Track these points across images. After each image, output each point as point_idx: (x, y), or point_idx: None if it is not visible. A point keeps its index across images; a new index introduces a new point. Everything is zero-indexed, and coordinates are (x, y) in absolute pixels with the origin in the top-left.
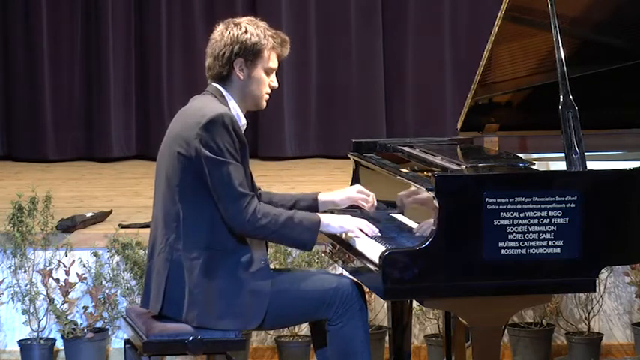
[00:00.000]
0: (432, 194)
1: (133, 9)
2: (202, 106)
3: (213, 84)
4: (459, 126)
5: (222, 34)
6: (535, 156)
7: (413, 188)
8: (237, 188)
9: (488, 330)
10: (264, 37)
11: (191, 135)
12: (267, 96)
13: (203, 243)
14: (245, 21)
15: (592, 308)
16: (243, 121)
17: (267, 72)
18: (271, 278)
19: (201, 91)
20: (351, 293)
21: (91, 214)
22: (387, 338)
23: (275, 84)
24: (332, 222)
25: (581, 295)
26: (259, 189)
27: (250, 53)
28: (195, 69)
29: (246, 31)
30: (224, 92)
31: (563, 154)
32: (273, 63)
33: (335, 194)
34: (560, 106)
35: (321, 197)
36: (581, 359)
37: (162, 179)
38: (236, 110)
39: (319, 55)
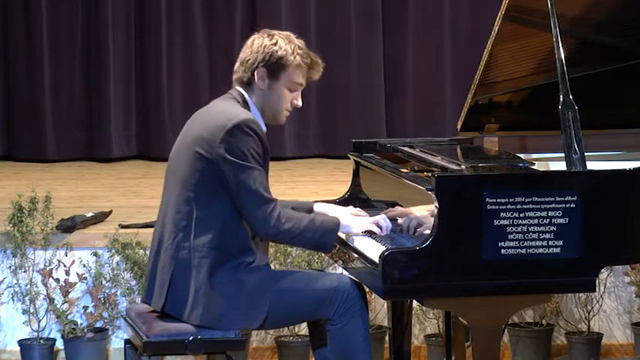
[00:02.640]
0: (432, 194)
1: (133, 9)
2: (226, 109)
3: (237, 87)
4: (459, 126)
5: (254, 41)
6: (535, 156)
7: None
8: (263, 194)
9: (488, 330)
10: (293, 53)
11: (215, 138)
12: (287, 112)
13: (212, 244)
14: (280, 35)
15: (592, 308)
16: (264, 128)
17: (291, 89)
18: (272, 278)
19: (201, 92)
20: (351, 293)
21: (91, 214)
22: (387, 338)
23: (298, 103)
24: (350, 222)
25: (581, 295)
26: None
27: (274, 65)
28: (195, 69)
29: (276, 43)
30: (247, 98)
31: (563, 154)
32: (298, 80)
33: (329, 209)
34: (560, 106)
35: (317, 208)
36: (581, 359)
37: (176, 178)
38: (258, 117)
39: (319, 55)
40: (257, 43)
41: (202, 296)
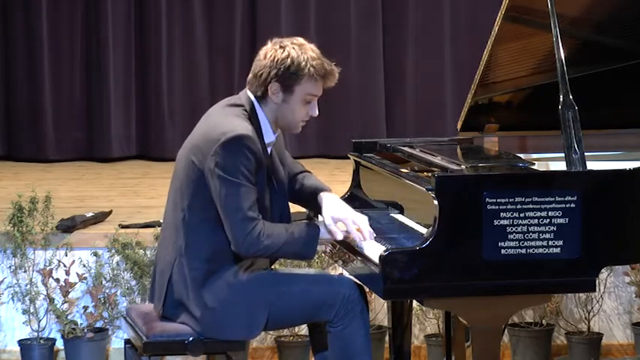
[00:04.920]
0: (432, 194)
1: (133, 9)
2: (226, 121)
3: (249, 95)
4: (459, 126)
5: (266, 53)
6: (535, 156)
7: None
8: (246, 212)
9: (488, 330)
10: (307, 65)
11: (208, 150)
12: (302, 123)
13: (205, 255)
14: (293, 44)
15: (592, 308)
16: (271, 138)
17: (306, 100)
18: (271, 282)
19: (201, 92)
20: (352, 295)
21: (91, 214)
22: (387, 338)
23: (314, 113)
24: (330, 228)
25: (581, 295)
26: (299, 172)
27: (287, 79)
28: (195, 69)
29: (288, 56)
30: (257, 108)
31: (563, 154)
32: (313, 91)
33: (334, 205)
34: (560, 106)
35: (324, 197)
36: (581, 359)
37: (176, 182)
38: (266, 127)
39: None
40: (269, 56)
41: (198, 307)
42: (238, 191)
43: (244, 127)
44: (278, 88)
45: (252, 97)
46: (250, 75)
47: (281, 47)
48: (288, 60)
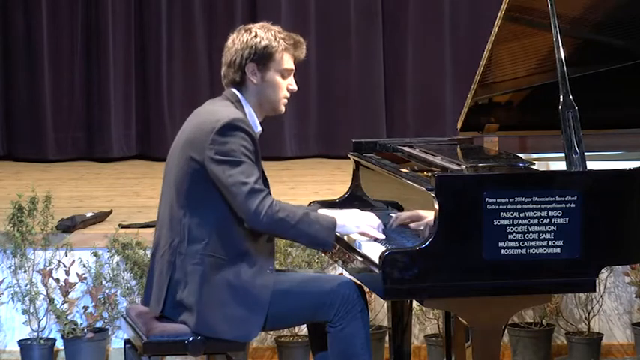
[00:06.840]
0: (432, 194)
1: (133, 9)
2: (217, 110)
3: (230, 89)
4: (459, 126)
5: (234, 40)
6: (535, 156)
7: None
8: (253, 185)
9: (488, 330)
10: (275, 39)
11: (204, 141)
12: (285, 100)
13: (205, 251)
14: (256, 26)
15: (592, 308)
16: (258, 128)
17: (283, 74)
18: (272, 286)
19: (201, 92)
20: (352, 295)
21: (91, 214)
22: (387, 338)
23: (294, 87)
24: (347, 222)
25: (581, 295)
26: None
27: (261, 57)
28: (195, 69)
29: (256, 36)
30: (240, 97)
31: (563, 154)
32: (288, 64)
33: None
34: (560, 106)
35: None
36: (581, 359)
37: (171, 180)
38: (252, 117)
39: (319, 55)
40: (238, 41)
41: (197, 304)
42: (241, 168)
43: (236, 113)
44: (254, 68)
45: (234, 90)
46: (224, 67)
47: (246, 31)
48: (257, 39)
